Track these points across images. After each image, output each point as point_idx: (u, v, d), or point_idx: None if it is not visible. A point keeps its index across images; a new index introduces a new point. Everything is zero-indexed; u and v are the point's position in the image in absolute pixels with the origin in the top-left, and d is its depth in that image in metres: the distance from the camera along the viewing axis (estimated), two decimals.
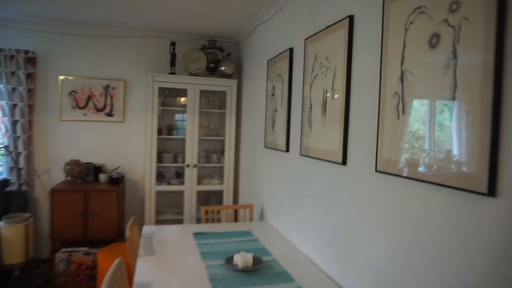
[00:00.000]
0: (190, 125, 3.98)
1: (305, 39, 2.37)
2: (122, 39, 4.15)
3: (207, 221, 3.12)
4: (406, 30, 1.42)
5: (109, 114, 4.15)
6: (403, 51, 1.43)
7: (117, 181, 3.87)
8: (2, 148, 3.76)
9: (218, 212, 3.29)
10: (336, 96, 1.96)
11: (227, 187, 4.14)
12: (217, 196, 4.28)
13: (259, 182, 3.39)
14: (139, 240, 2.47)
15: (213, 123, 4.36)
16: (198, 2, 3.17)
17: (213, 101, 4.35)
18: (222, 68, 4.10)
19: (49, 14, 3.66)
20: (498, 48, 1.04)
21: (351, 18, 1.84)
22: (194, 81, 3.97)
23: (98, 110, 4.12)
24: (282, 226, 2.76)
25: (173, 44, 3.97)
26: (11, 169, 3.79)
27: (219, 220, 3.40)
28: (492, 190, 1.05)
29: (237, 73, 4.29)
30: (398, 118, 1.45)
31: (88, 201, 3.60)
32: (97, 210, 3.61)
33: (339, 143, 1.91)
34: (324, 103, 2.09)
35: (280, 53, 2.85)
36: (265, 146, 3.18)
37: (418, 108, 1.35)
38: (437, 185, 1.24)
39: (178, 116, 4.27)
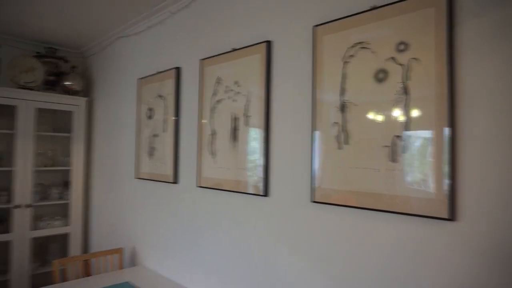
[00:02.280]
0: (21, 153, 3.04)
1: (201, 60, 2.18)
2: None
3: (63, 279, 2.39)
4: (345, 62, 1.46)
5: None
6: (343, 83, 1.46)
7: None
8: None
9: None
10: (252, 122, 1.84)
11: (74, 229, 3.33)
12: (58, 243, 3.39)
13: (128, 220, 2.87)
14: None
15: (50, 150, 3.48)
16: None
17: (50, 123, 3.49)
18: (67, 83, 3.36)
19: None
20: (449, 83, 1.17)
21: (268, 43, 1.79)
22: (28, 97, 3.09)
23: None
24: (168, 270, 2.39)
25: None
26: None
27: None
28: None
29: (86, 91, 3.59)
30: (340, 148, 1.46)
31: None
32: None
33: (259, 172, 1.79)
34: (234, 130, 1.94)
35: (160, 72, 2.53)
36: (137, 177, 2.73)
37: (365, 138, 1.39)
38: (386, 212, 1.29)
39: None
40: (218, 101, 2.06)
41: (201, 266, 2.13)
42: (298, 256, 1.61)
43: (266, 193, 1.76)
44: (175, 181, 2.36)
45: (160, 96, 2.53)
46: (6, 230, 3.02)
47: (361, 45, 1.41)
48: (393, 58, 1.32)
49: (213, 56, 2.10)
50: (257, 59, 1.84)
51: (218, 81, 2.06)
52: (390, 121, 1.31)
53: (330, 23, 1.52)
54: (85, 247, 3.48)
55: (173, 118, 2.39)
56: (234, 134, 1.94)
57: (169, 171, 2.41)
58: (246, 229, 1.87)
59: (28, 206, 3.06)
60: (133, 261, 2.75)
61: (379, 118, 1.35)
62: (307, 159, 1.58)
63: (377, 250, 1.34)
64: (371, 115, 1.37)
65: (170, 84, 2.44)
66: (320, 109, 1.54)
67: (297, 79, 1.66)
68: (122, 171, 2.99)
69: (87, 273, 2.58)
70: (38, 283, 3.09)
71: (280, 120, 1.73)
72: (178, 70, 2.39)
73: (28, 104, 3.10)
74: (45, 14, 2.75)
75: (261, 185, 1.77)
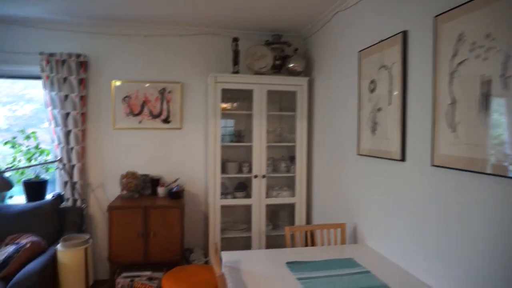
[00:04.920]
0: (256, 130, 3.52)
1: (435, 17, 1.83)
2: (176, 38, 3.76)
3: (292, 244, 2.63)
4: None
5: (166, 121, 3.76)
6: None
7: (177, 195, 3.46)
8: (55, 162, 3.45)
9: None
10: None
11: (299, 200, 3.63)
12: (286, 211, 3.78)
13: (349, 196, 2.86)
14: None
15: (279, 127, 3.88)
16: None
17: (278, 103, 3.87)
18: (291, 65, 3.61)
19: (98, 13, 3.31)
20: None
21: None
22: (261, 81, 3.50)
23: (154, 116, 3.74)
24: (393, 254, 2.22)
25: (235, 40, 3.53)
26: (65, 183, 3.47)
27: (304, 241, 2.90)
28: None
29: (307, 71, 3.78)
30: None
31: (148, 219, 3.20)
32: (158, 229, 3.21)
33: None
34: (484, 96, 1.54)
35: (383, 40, 2.32)
36: (359, 154, 2.65)
37: None
38: None
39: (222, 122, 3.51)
40: (460, 63, 1.68)
41: (431, 256, 1.86)
42: None
43: None
44: (402, 159, 2.14)
45: (383, 66, 2.33)
46: (249, 196, 3.59)
47: None
48: None
49: (452, 9, 1.73)
50: None
51: (460, 38, 1.68)
52: None
53: None
54: (308, 218, 3.73)
55: (399, 89, 2.15)
56: (486, 101, 1.54)
57: (394, 147, 2.21)
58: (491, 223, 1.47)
59: (263, 176, 3.53)
60: (354, 239, 2.72)
61: None
62: None
63: None
64: None
65: (395, 51, 2.20)
66: None
67: None
68: (342, 147, 2.98)
69: (312, 242, 2.74)
70: (271, 243, 3.56)
71: None
72: (404, 34, 2.12)
73: (262, 88, 3.51)
74: (272, 4, 3.01)
75: None
